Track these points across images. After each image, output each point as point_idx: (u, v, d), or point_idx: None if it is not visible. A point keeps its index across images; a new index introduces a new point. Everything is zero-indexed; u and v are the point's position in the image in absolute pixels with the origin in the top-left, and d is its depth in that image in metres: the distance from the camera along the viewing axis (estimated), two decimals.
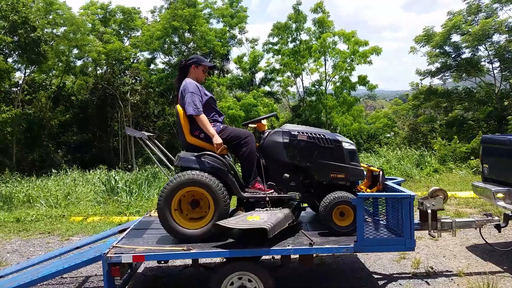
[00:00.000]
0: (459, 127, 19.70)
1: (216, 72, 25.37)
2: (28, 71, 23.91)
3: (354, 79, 23.88)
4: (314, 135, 4.28)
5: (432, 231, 4.58)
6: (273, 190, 4.26)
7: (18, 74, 24.86)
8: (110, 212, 8.59)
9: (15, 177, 15.95)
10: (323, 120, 24.06)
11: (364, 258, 5.57)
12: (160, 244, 4.06)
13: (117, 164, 22.74)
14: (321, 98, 24.23)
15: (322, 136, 4.30)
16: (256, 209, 4.16)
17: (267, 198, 4.17)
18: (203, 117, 4.13)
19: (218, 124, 4.31)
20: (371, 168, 4.71)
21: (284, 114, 28.20)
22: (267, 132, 4.36)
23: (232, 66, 26.72)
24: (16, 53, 19.45)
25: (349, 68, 23.70)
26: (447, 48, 19.75)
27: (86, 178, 13.64)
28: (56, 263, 4.47)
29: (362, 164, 4.54)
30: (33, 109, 24.40)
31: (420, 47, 20.43)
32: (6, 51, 20.17)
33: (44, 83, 26.62)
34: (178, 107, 4.26)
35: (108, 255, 3.77)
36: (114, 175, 10.51)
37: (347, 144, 4.39)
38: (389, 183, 4.60)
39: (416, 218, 4.61)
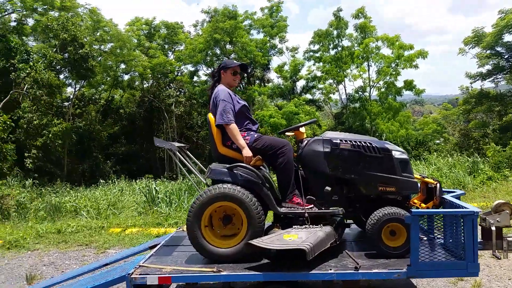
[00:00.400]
0: None
1: (250, 73, 25.04)
2: (78, 86, 24.64)
3: (399, 84, 23.00)
4: (359, 143, 3.75)
5: (496, 251, 3.88)
6: (313, 205, 3.76)
7: (69, 90, 25.78)
8: (149, 223, 8.36)
9: (65, 187, 16.28)
10: (368, 127, 23.18)
11: (416, 279, 4.92)
12: (189, 264, 3.65)
13: (162, 173, 22.87)
14: (365, 104, 23.43)
15: (369, 144, 3.76)
16: (293, 226, 3.68)
17: (306, 214, 3.68)
18: (234, 126, 3.73)
19: (252, 133, 3.91)
20: (426, 179, 4.10)
21: (327, 122, 27.47)
22: (306, 141, 3.88)
23: (273, 75, 26.44)
24: (67, 69, 20.00)
25: (394, 73, 22.85)
26: (499, 48, 18.47)
27: (132, 187, 13.65)
28: (82, 281, 4.18)
29: (415, 175, 3.95)
30: (83, 122, 25.06)
31: (469, 48, 19.21)
32: (58, 67, 20.84)
33: (93, 97, 27.38)
34: (210, 115, 3.89)
35: (133, 275, 3.40)
36: (154, 186, 10.32)
37: (398, 153, 3.82)
38: (447, 197, 3.97)
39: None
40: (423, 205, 4.02)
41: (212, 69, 25.09)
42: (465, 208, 3.44)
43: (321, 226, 3.64)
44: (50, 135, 17.42)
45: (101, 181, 16.80)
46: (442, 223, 3.77)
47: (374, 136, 24.20)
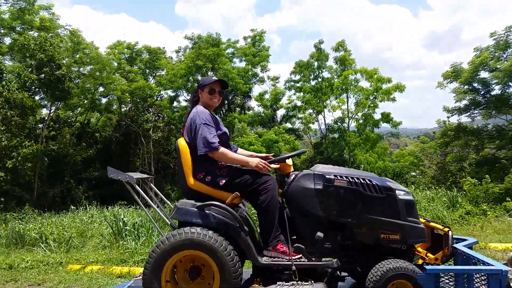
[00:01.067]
0: (491, 167, 17.99)
1: (231, 100, 24.48)
2: (54, 108, 23.56)
3: (377, 116, 22.85)
4: (356, 180, 3.04)
5: None
6: (301, 255, 3.00)
7: (44, 111, 24.59)
8: (113, 259, 7.37)
9: (32, 213, 15.04)
10: (346, 157, 22.77)
11: None
12: None
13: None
14: (343, 135, 23.12)
15: (368, 182, 3.05)
16: (278, 282, 2.90)
17: (294, 267, 2.91)
18: (223, 150, 3.09)
19: (229, 165, 3.22)
20: (433, 224, 3.40)
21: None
22: (294, 175, 3.16)
23: (253, 103, 25.93)
24: (42, 90, 19.00)
25: (372, 105, 22.71)
26: (475, 84, 18.38)
27: (103, 214, 12.54)
28: None
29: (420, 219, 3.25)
30: (57, 145, 23.85)
31: (447, 83, 19.12)
32: (33, 88, 19.81)
33: (69, 120, 26.26)
34: (181, 141, 3.16)
35: None
36: (122, 216, 9.34)
37: (402, 193, 3.12)
38: (460, 246, 3.25)
39: None
40: (430, 255, 3.30)
41: None
42: (491, 265, 2.74)
43: (311, 282, 2.88)
44: (20, 158, 16.25)
45: (72, 207, 15.60)
46: (454, 281, 3.05)
47: (352, 167, 23.78)
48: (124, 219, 9.00)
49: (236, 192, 2.97)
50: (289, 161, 3.29)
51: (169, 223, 3.20)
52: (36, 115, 22.32)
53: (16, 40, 20.09)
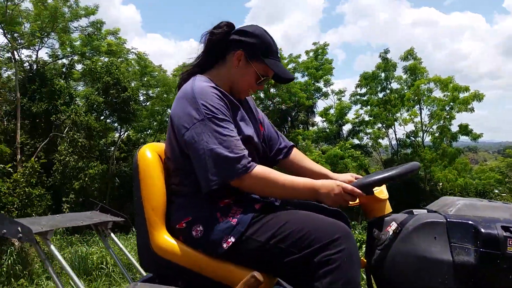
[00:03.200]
0: None
1: (294, 117, 23.27)
2: (124, 130, 24.07)
3: (454, 128, 20.65)
4: None
5: None
6: None
7: (117, 134, 25.27)
8: None
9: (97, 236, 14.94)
10: (421, 175, 20.64)
11: None
12: None
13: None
14: (417, 150, 21.07)
15: None
16: None
17: None
18: (261, 170, 1.43)
19: (251, 205, 1.48)
20: None
21: (375, 169, 25.03)
22: (393, 224, 1.50)
23: (317, 119, 24.66)
24: (108, 112, 19.34)
25: (448, 117, 20.54)
26: None
27: None
28: None
29: None
30: (128, 167, 24.26)
31: None
32: (104, 111, 20.29)
33: (139, 142, 26.76)
34: (144, 151, 1.64)
35: None
36: None
37: None
38: None
39: None
40: None
41: None
42: None
43: None
44: (87, 178, 16.39)
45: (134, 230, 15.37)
46: None
47: (429, 185, 21.53)
48: None
49: (255, 273, 1.30)
50: (383, 190, 1.60)
51: None
52: (108, 138, 22.90)
53: (87, 66, 20.80)
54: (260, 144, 1.63)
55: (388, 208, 1.66)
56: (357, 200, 1.52)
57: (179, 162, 1.51)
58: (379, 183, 1.46)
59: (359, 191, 1.42)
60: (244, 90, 1.61)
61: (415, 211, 1.65)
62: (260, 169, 1.41)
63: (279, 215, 1.41)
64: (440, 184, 19.31)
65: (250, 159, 1.41)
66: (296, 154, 1.83)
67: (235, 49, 1.55)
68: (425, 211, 1.67)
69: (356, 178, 1.71)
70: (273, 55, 1.56)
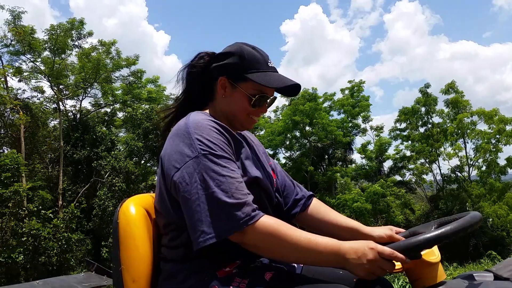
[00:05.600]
0: None
1: (331, 154, 22.72)
2: None
3: (501, 162, 19.49)
4: None
5: None
6: None
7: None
8: None
9: None
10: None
11: None
12: None
13: None
14: (463, 185, 19.89)
15: None
16: None
17: None
18: (271, 222, 1.07)
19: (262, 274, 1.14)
20: None
21: (420, 206, 23.75)
22: None
23: (356, 156, 23.98)
24: (147, 156, 19.64)
25: (494, 149, 19.50)
26: None
27: None
28: None
29: None
30: None
31: None
32: (145, 156, 20.67)
33: None
34: (127, 207, 1.28)
35: None
36: None
37: None
38: None
39: None
40: None
41: (291, 152, 23.50)
42: None
43: None
44: None
45: None
46: None
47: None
48: None
49: None
50: (434, 253, 1.18)
51: None
52: (148, 181, 23.18)
53: (128, 113, 21.46)
54: (271, 190, 1.28)
55: (441, 273, 1.22)
56: (399, 265, 1.12)
57: (170, 216, 1.17)
58: (429, 244, 1.03)
59: (401, 256, 1.02)
60: (244, 119, 1.28)
61: (477, 275, 1.21)
62: (268, 220, 1.06)
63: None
64: (490, 220, 17.98)
65: (255, 206, 1.07)
66: (317, 205, 1.45)
67: (217, 77, 1.28)
68: (491, 275, 1.22)
69: (397, 232, 1.31)
70: (260, 67, 1.26)
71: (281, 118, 24.46)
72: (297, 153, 23.14)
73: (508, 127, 19.30)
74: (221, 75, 1.26)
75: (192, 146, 1.10)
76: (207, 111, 1.31)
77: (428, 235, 1.04)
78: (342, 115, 23.49)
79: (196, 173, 1.07)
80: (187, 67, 1.32)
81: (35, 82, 19.45)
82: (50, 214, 12.79)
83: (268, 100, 1.28)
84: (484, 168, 20.15)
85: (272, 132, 22.30)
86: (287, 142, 22.89)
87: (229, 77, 1.25)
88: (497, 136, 19.54)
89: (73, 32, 18.99)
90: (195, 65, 1.31)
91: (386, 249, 1.02)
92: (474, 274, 1.21)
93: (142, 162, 19.90)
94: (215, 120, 1.20)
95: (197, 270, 1.12)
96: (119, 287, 1.19)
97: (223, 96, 1.27)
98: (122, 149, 18.60)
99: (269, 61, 1.28)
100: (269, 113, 27.88)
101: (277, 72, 1.29)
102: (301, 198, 1.43)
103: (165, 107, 1.41)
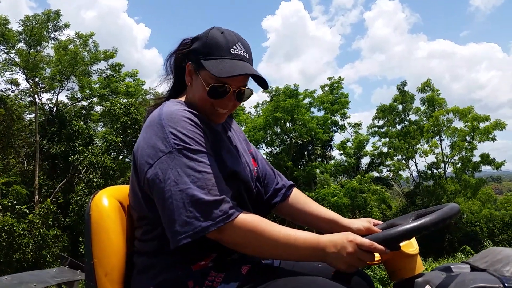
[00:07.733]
0: None
1: (311, 151, 22.88)
2: None
3: (475, 159, 20.05)
4: None
5: None
6: None
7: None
8: None
9: None
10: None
11: None
12: None
13: None
14: (439, 182, 20.34)
15: None
16: None
17: None
18: (249, 218, 1.04)
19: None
20: None
21: (397, 201, 24.20)
22: None
23: (335, 152, 24.22)
24: (125, 151, 19.37)
25: (469, 147, 19.98)
26: None
27: None
28: None
29: None
30: None
31: None
32: (123, 151, 20.35)
33: None
34: (100, 199, 1.24)
35: None
36: None
37: None
38: None
39: None
40: None
41: (272, 148, 23.49)
42: None
43: None
44: None
45: None
46: None
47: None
48: None
49: None
50: (412, 245, 1.19)
51: None
52: (126, 177, 22.85)
53: (106, 107, 21.10)
54: (252, 183, 1.24)
55: (420, 265, 1.22)
56: (378, 257, 1.11)
57: (143, 211, 1.13)
58: (408, 235, 1.02)
59: (380, 247, 1.01)
60: (209, 111, 1.17)
61: (455, 267, 1.21)
62: (246, 217, 1.03)
63: (275, 284, 1.02)
64: (465, 215, 18.49)
65: (233, 203, 1.03)
66: (297, 196, 1.42)
67: (186, 63, 1.20)
68: (468, 267, 1.21)
69: (375, 224, 1.30)
70: (220, 54, 1.13)
71: (261, 114, 24.46)
72: (278, 149, 23.21)
73: (482, 125, 19.80)
74: (189, 61, 1.19)
75: (165, 140, 1.05)
76: (183, 98, 1.22)
77: (408, 226, 1.03)
78: (322, 112, 23.68)
79: (170, 170, 1.01)
80: (172, 54, 1.26)
81: (10, 74, 18.89)
82: (26, 210, 12.46)
83: (230, 91, 1.14)
84: (459, 165, 20.61)
85: (253, 128, 22.29)
86: (268, 138, 22.92)
87: (192, 63, 1.17)
88: (472, 133, 20.02)
89: (49, 24, 18.48)
90: (179, 52, 1.24)
91: (366, 241, 1.01)
92: (451, 266, 1.21)
93: (121, 157, 19.61)
94: (190, 110, 1.12)
95: (171, 264, 1.08)
96: (91, 280, 1.14)
97: (189, 83, 1.19)
98: (100, 144, 18.29)
99: (234, 47, 1.14)
100: (249, 109, 27.84)
101: (243, 60, 1.15)
102: (281, 188, 1.39)
103: (157, 96, 1.33)
